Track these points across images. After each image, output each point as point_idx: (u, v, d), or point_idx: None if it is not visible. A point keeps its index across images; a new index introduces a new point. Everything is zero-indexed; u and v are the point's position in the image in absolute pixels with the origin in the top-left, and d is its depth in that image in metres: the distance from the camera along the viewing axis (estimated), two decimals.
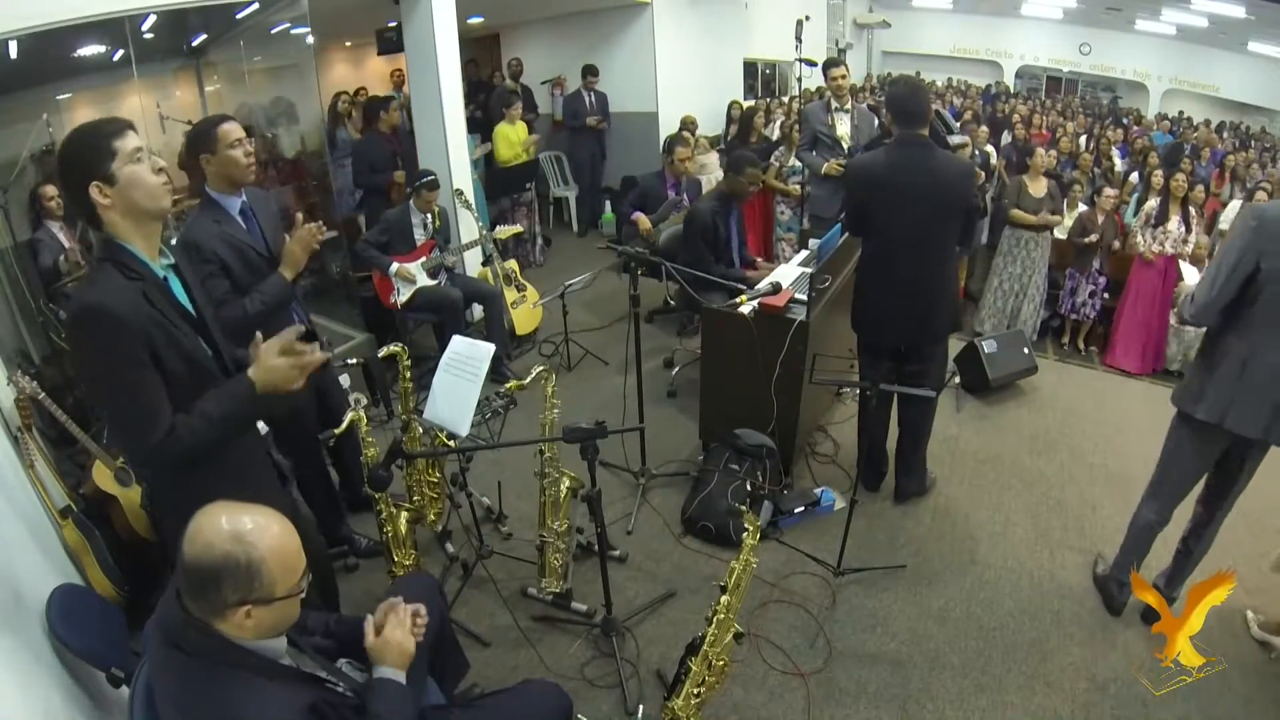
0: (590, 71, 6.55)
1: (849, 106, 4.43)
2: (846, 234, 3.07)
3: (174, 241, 1.86)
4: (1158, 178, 4.54)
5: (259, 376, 1.41)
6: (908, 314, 2.63)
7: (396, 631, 1.39)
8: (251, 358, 1.44)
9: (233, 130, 2.09)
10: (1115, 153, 6.93)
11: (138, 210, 1.36)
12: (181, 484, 1.45)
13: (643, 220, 4.43)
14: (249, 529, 1.10)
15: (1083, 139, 7.71)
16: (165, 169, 1.39)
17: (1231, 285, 1.97)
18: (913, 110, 2.49)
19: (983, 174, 4.30)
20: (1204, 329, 2.19)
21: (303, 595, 1.17)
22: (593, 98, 6.61)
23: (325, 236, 2.25)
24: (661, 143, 6.85)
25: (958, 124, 4.69)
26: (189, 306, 1.50)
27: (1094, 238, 4.48)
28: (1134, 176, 6.25)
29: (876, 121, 4.54)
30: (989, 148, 5.54)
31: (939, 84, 12.59)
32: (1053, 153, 5.38)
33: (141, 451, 1.36)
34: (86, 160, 1.31)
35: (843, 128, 4.38)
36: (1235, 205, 5.23)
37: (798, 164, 5.07)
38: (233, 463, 1.52)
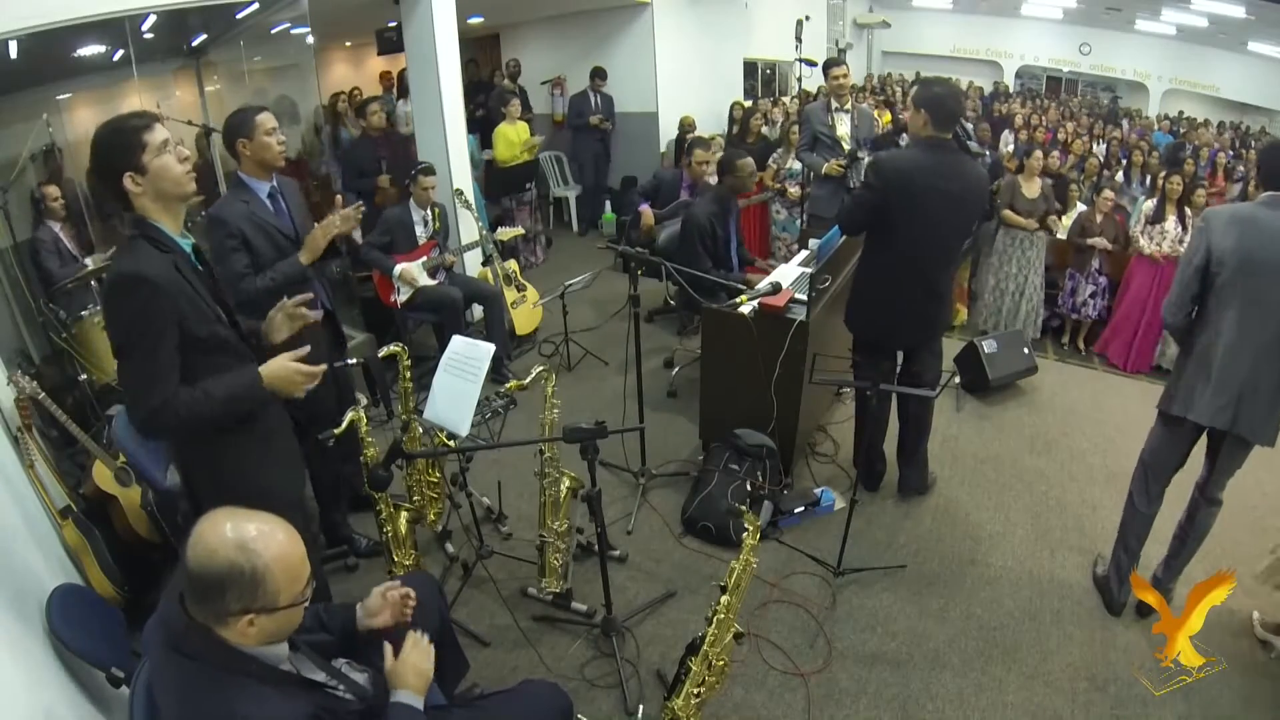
0: (599, 74, 6.56)
1: (849, 106, 4.43)
2: (844, 233, 3.07)
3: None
4: (1159, 177, 4.55)
5: (268, 373, 1.57)
6: (919, 316, 2.66)
7: (415, 654, 1.38)
8: (267, 322, 1.69)
9: (268, 119, 2.27)
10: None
11: (166, 196, 1.51)
12: (207, 445, 1.61)
13: (646, 215, 4.42)
14: (253, 537, 1.09)
15: (1084, 138, 7.71)
16: (189, 157, 1.54)
17: (1190, 280, 2.17)
18: (952, 111, 2.44)
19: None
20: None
21: (306, 604, 1.16)
22: (599, 99, 6.61)
23: (352, 223, 2.41)
24: (662, 143, 6.88)
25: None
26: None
27: (1097, 240, 4.48)
28: (1119, 176, 6.26)
29: (872, 120, 4.54)
30: (1007, 147, 5.53)
31: None
32: (1055, 154, 5.39)
33: (138, 413, 1.49)
34: (120, 153, 1.45)
35: (843, 128, 4.38)
36: None
37: (796, 166, 5.07)
38: (260, 428, 1.67)
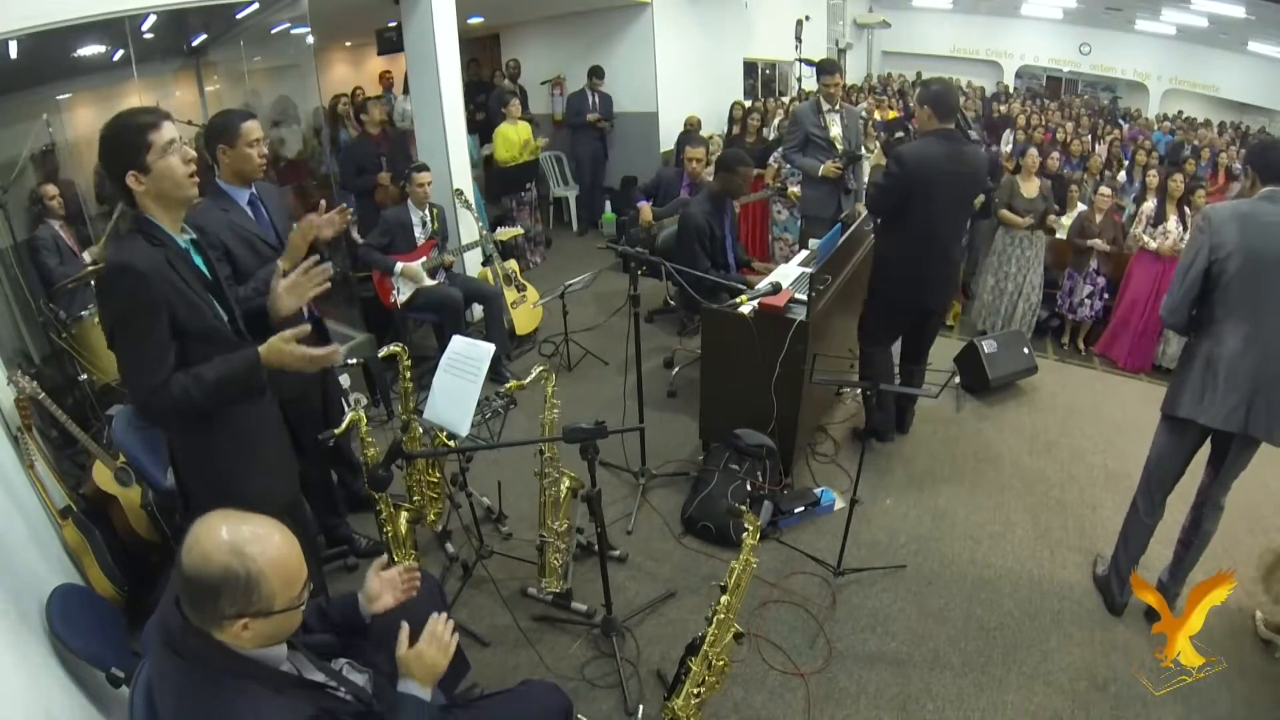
0: (596, 73, 6.56)
1: (839, 107, 4.43)
2: (871, 213, 3.35)
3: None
4: (1152, 177, 4.55)
5: (267, 351, 1.57)
6: (942, 278, 3.14)
7: (431, 648, 1.34)
8: (271, 296, 1.71)
9: (254, 129, 2.17)
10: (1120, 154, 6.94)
11: (167, 197, 1.53)
12: (190, 439, 1.65)
13: (644, 210, 4.41)
14: (248, 541, 1.07)
15: (1085, 138, 7.71)
16: (194, 159, 1.55)
17: (1193, 281, 2.14)
18: (952, 105, 2.88)
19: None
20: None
21: (302, 607, 1.15)
22: (597, 98, 6.62)
23: (338, 227, 2.28)
24: (663, 143, 6.88)
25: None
26: (207, 274, 1.66)
27: (1096, 242, 4.48)
28: (1122, 175, 6.26)
29: (860, 120, 4.54)
30: (1007, 147, 5.51)
31: None
32: (1055, 154, 5.37)
33: (137, 395, 1.52)
34: (124, 152, 1.47)
35: (835, 129, 4.37)
36: None
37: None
38: (242, 423, 1.67)
